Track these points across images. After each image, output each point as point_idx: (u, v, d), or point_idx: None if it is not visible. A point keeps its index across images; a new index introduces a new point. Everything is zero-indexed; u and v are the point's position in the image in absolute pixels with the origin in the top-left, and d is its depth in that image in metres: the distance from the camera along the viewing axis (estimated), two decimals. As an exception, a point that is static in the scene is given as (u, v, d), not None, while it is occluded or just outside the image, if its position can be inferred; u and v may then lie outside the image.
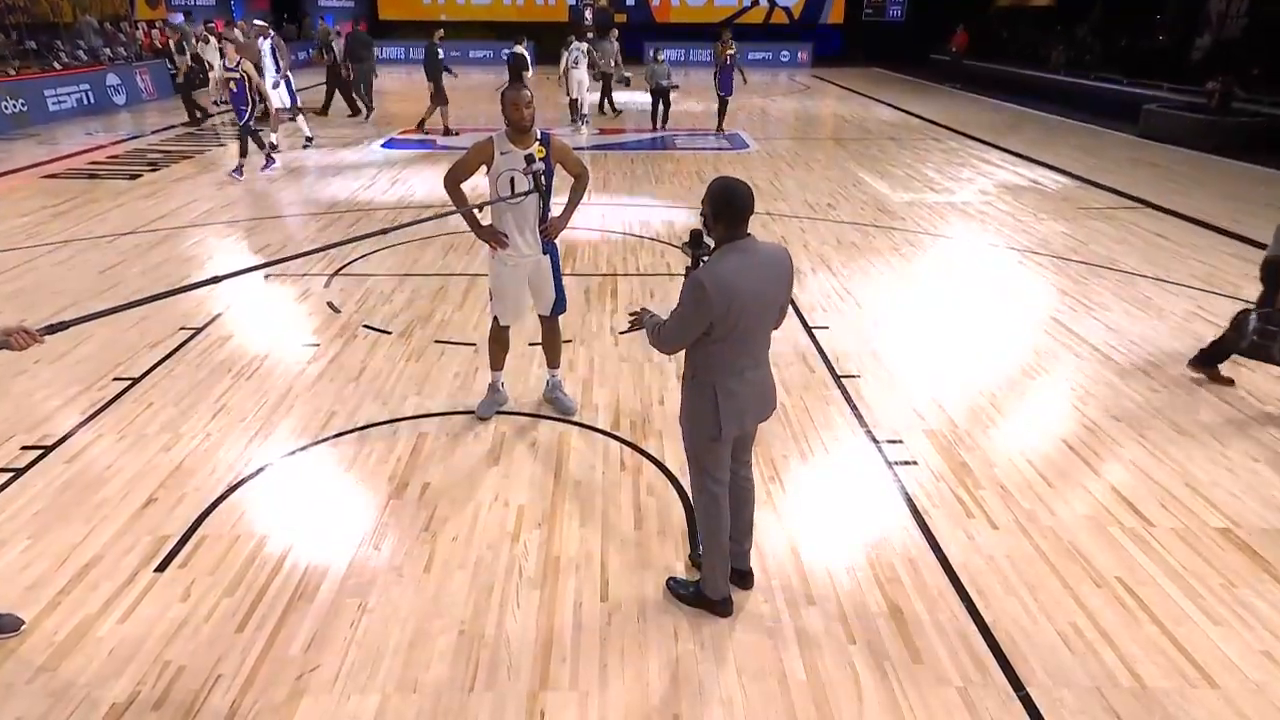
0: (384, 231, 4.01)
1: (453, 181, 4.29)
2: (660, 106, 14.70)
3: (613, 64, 16.16)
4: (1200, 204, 9.76)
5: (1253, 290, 6.85)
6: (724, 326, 2.77)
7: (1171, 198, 10.06)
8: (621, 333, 5.83)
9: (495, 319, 4.57)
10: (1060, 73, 20.34)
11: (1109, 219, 9.16)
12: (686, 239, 3.03)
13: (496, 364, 4.70)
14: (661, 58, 14.43)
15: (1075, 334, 5.95)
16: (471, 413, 4.69)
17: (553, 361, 4.78)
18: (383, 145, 13.21)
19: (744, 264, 2.76)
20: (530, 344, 5.44)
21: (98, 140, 13.35)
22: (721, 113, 14.46)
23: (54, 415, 4.66)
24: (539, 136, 4.16)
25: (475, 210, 4.32)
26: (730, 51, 13.93)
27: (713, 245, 2.85)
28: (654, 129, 14.71)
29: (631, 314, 3.16)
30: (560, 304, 4.58)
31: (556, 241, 4.49)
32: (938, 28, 25.97)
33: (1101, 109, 17.00)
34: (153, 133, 14.11)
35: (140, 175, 10.81)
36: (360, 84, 15.94)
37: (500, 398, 4.76)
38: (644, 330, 3.03)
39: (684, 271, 2.96)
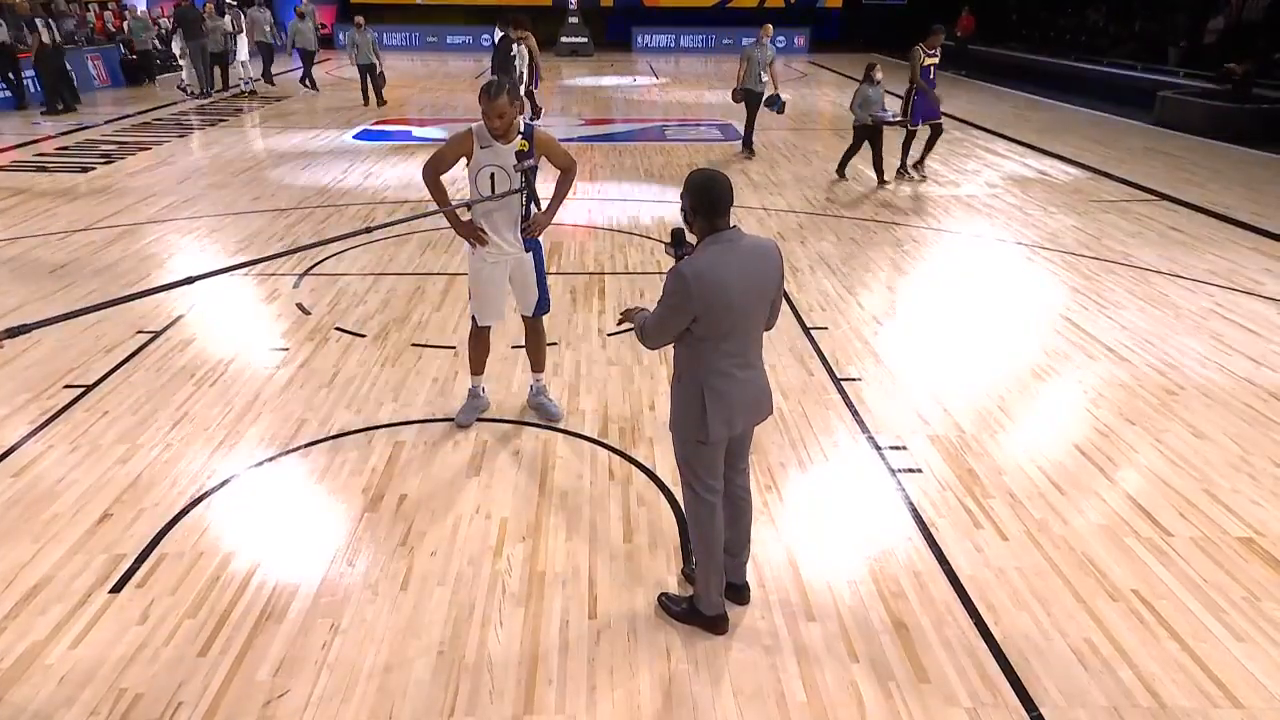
0: (367, 230, 4.01)
1: (432, 174, 4.30)
2: (877, 149, 10.12)
3: (761, 78, 11.03)
4: (1218, 196, 9.85)
5: (1274, 286, 6.94)
6: (708, 321, 2.80)
7: (1188, 189, 10.15)
8: (612, 334, 5.84)
9: (474, 319, 4.57)
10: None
11: (1122, 212, 9.24)
12: (669, 239, 3.06)
13: (477, 368, 4.70)
14: (879, 76, 9.82)
15: (1087, 333, 5.99)
16: (451, 420, 4.68)
17: (537, 365, 4.78)
18: (354, 137, 13.18)
19: (727, 256, 2.79)
20: (513, 347, 5.43)
21: (45, 130, 13.25)
22: (930, 145, 10.41)
23: None
24: (521, 129, 4.16)
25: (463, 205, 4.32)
26: (936, 60, 10.03)
27: (695, 243, 2.87)
28: (878, 181, 10.28)
29: (622, 313, 3.19)
30: (544, 304, 4.58)
31: (540, 238, 4.49)
32: (942, 11, 26.13)
33: (1114, 96, 17.15)
34: (106, 122, 14.02)
35: (93, 168, 10.74)
36: (198, 62, 16.36)
37: (481, 404, 4.75)
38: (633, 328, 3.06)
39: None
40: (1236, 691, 2.97)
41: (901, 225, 8.65)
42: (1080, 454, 4.48)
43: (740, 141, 12.02)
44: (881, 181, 10.26)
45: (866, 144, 10.08)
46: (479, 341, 4.62)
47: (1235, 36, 16.92)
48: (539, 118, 14.29)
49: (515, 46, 12.34)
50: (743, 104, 11.33)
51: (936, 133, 10.34)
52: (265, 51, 18.34)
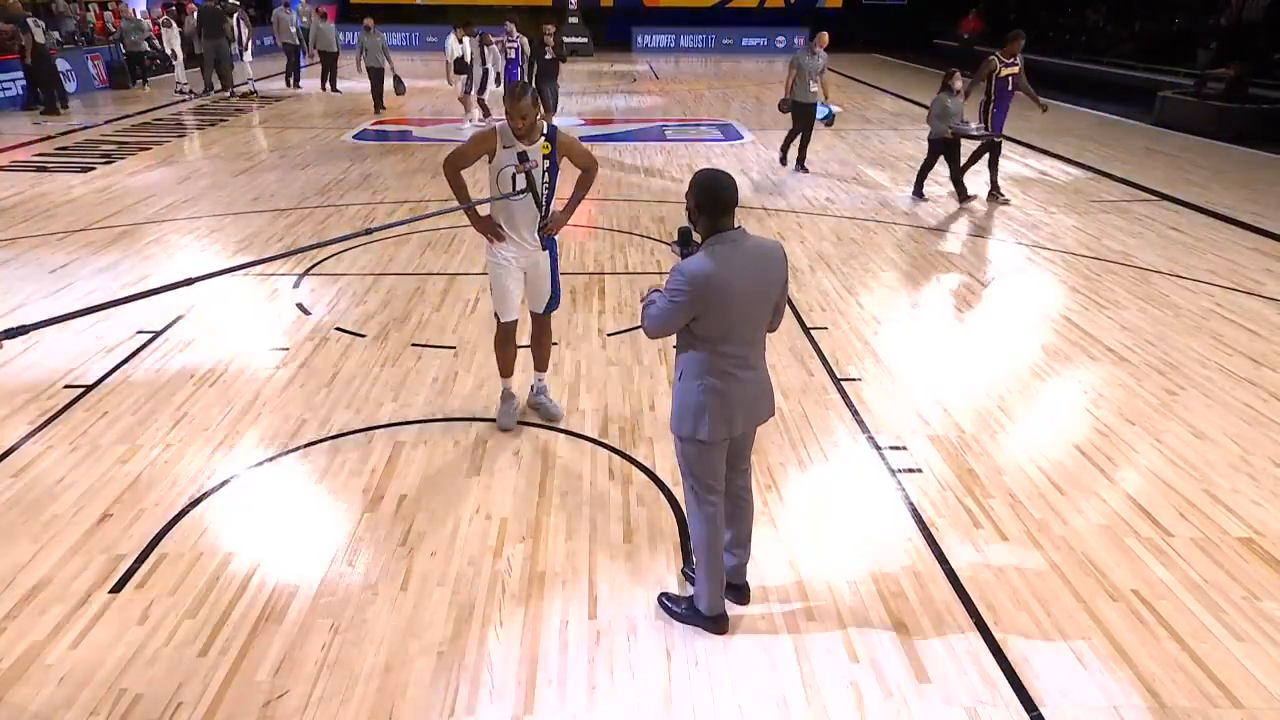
0: (366, 230, 4.01)
1: (453, 169, 4.31)
2: (955, 163, 9.35)
3: (810, 88, 10.36)
4: (1219, 196, 9.85)
5: (1274, 286, 6.94)
6: (709, 321, 2.80)
7: (1188, 189, 10.15)
8: (612, 334, 5.84)
9: (498, 318, 4.55)
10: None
11: (1122, 212, 9.24)
12: (675, 237, 3.06)
13: (506, 371, 4.67)
14: (958, 86, 9.03)
15: (1087, 333, 5.99)
16: (449, 419, 4.68)
17: (540, 364, 4.78)
18: (354, 137, 13.17)
19: (730, 257, 2.79)
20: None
21: (46, 130, 13.25)
22: (994, 162, 9.51)
23: None
24: (545, 131, 4.18)
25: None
26: (1015, 70, 9.20)
27: (700, 241, 2.87)
28: (960, 198, 9.44)
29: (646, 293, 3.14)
30: (555, 301, 4.61)
31: (556, 236, 4.51)
32: (943, 11, 26.15)
33: (1114, 96, 17.13)
34: (106, 123, 14.02)
35: (93, 168, 10.74)
36: (212, 60, 16.54)
37: (516, 405, 4.72)
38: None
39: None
40: (1236, 691, 2.97)
41: (901, 225, 8.65)
42: (1080, 454, 4.48)
43: (779, 152, 11.32)
44: (965, 196, 9.39)
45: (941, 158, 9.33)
46: (506, 341, 4.60)
47: (1235, 36, 16.90)
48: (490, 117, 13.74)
49: (546, 46, 12.32)
50: (789, 114, 10.67)
51: (992, 150, 9.52)
52: (290, 54, 18.20)
